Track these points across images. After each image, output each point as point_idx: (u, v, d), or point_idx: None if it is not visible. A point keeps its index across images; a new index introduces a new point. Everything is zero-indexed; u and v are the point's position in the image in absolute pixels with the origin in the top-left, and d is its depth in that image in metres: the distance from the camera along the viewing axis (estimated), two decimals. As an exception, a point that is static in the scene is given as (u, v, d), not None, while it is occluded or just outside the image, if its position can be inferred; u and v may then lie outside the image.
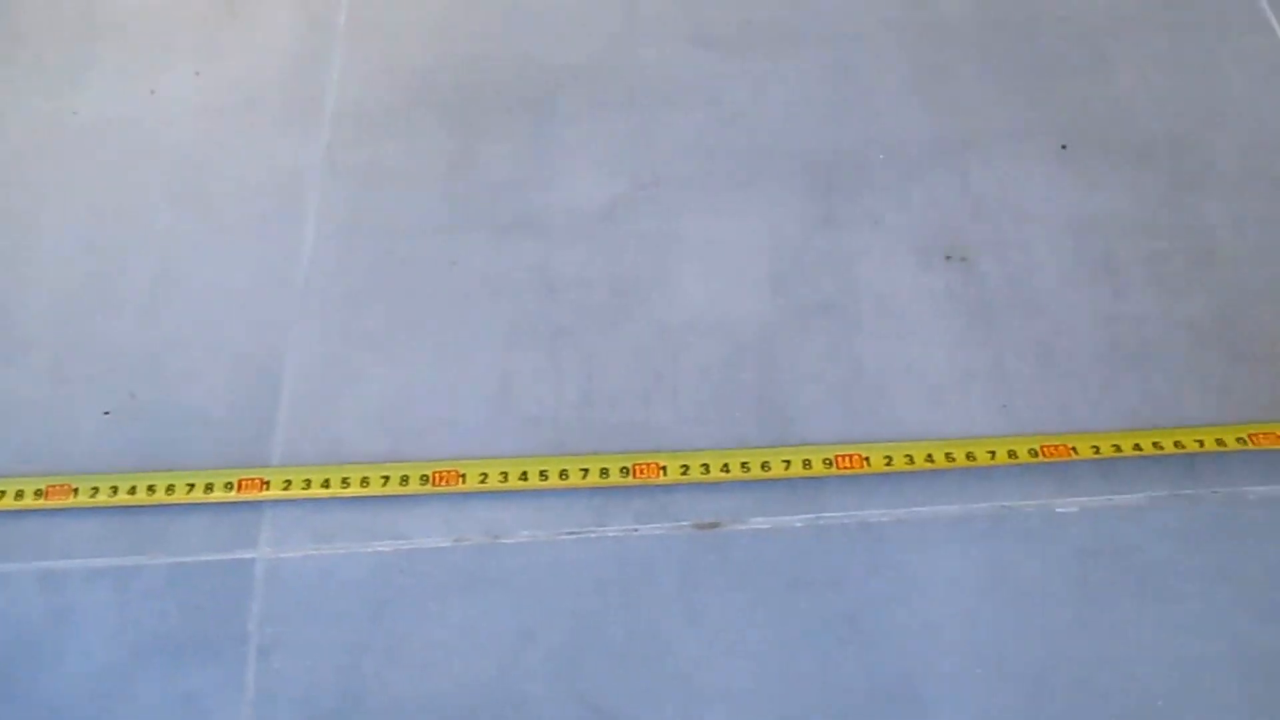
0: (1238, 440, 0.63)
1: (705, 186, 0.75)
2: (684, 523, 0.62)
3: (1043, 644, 0.58)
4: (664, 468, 0.64)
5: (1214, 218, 0.72)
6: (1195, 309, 0.69)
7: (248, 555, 0.62)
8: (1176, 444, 0.63)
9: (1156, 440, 0.63)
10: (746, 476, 0.63)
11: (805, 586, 0.61)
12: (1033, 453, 0.63)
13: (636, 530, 0.62)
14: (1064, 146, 0.75)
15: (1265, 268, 0.70)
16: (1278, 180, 0.73)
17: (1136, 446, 0.63)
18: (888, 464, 0.63)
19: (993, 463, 0.63)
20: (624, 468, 0.64)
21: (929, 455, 0.63)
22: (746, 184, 0.75)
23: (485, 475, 0.64)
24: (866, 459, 0.63)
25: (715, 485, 0.63)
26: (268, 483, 0.64)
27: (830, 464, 0.63)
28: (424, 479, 0.64)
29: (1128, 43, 0.80)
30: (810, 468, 0.63)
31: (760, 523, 0.62)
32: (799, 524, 0.62)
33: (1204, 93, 0.78)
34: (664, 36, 0.82)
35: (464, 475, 0.64)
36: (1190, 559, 0.61)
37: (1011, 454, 0.63)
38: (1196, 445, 0.63)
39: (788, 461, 0.64)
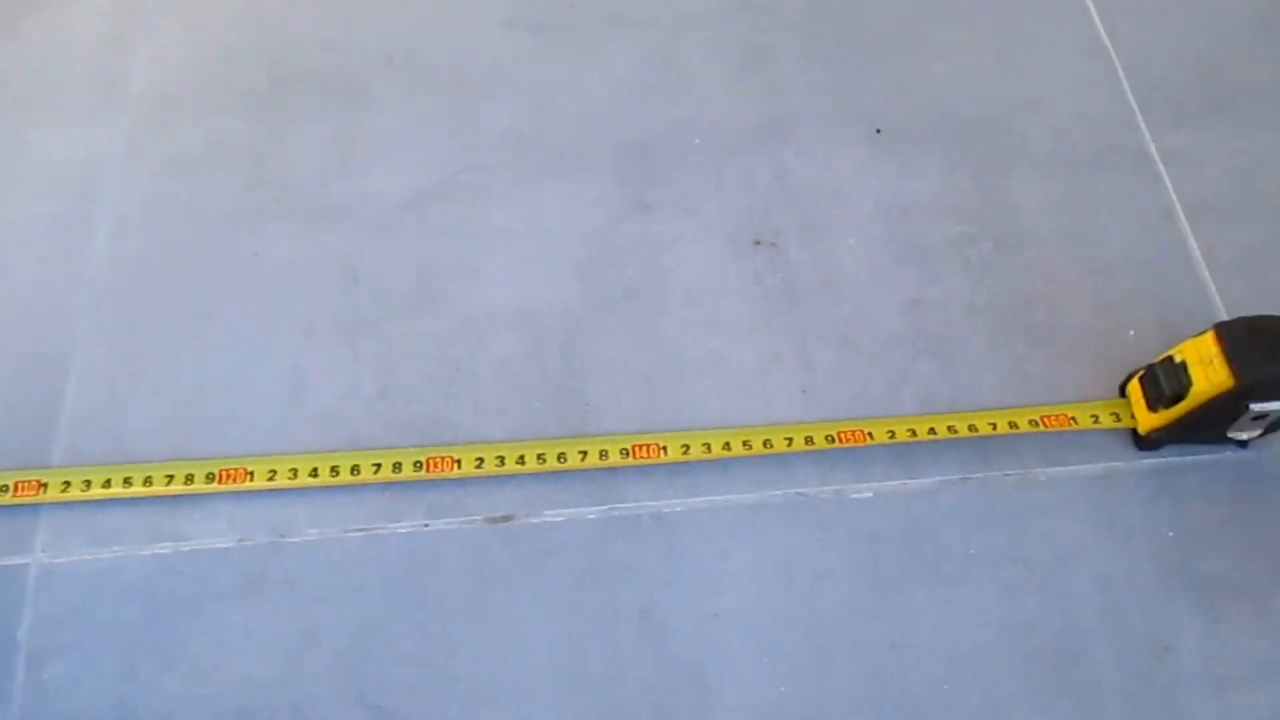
0: (1029, 423, 0.63)
1: (517, 175, 0.74)
2: (476, 517, 0.61)
3: (832, 630, 0.58)
4: (459, 461, 0.62)
5: (1022, 201, 0.73)
6: (998, 293, 0.69)
7: (21, 561, 0.60)
8: (970, 428, 0.63)
9: (951, 424, 0.63)
10: (543, 468, 0.62)
11: (596, 579, 0.60)
12: (830, 439, 0.63)
13: (428, 526, 0.61)
14: (879, 130, 0.75)
15: (1068, 251, 0.70)
16: (1085, 164, 0.74)
17: (931, 430, 0.63)
18: (685, 453, 0.63)
19: (789, 449, 0.63)
20: (418, 462, 0.62)
21: (726, 443, 0.63)
22: (559, 172, 0.74)
23: (274, 472, 0.62)
24: (664, 448, 0.63)
25: (510, 478, 0.62)
26: (45, 485, 0.61)
27: (627, 454, 0.63)
28: (210, 477, 0.62)
29: (947, 27, 0.81)
30: (607, 458, 0.62)
31: (553, 515, 0.61)
32: (593, 515, 0.61)
33: (1019, 77, 0.78)
34: (481, 21, 0.81)
35: (252, 473, 0.62)
36: (979, 541, 0.61)
37: (809, 440, 0.63)
38: (989, 428, 0.63)
39: (584, 452, 0.63)
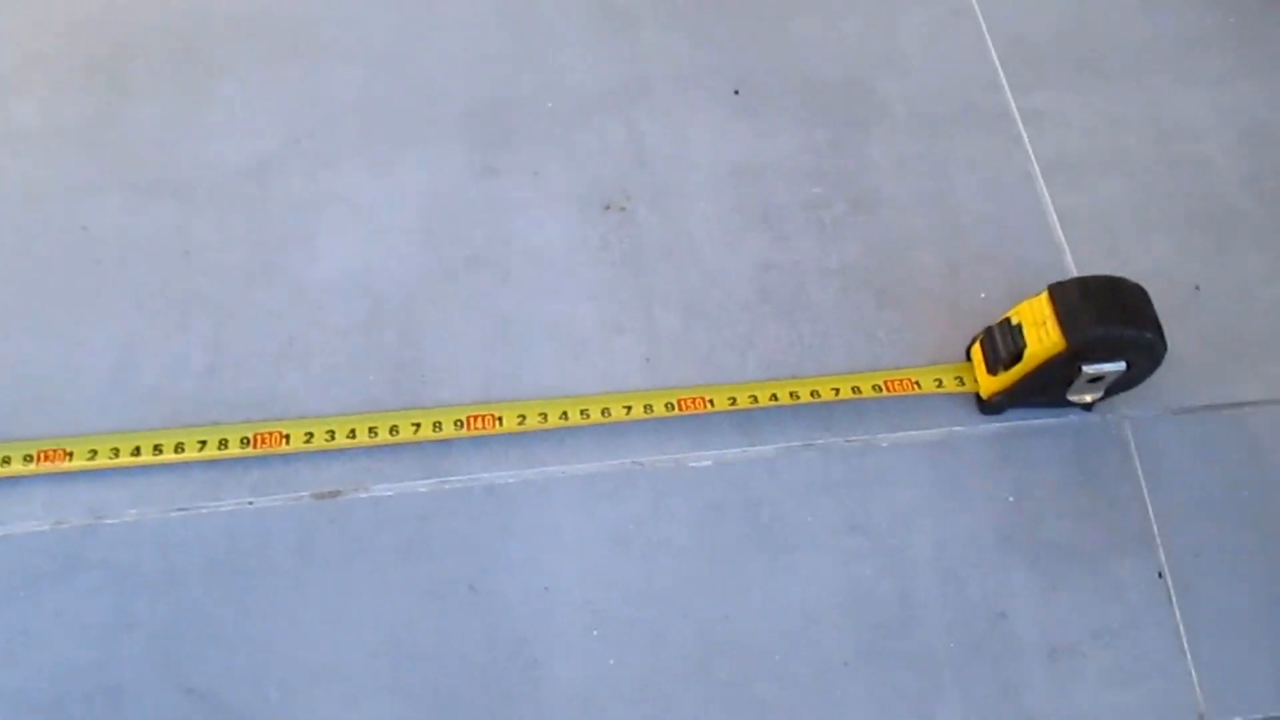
0: (873, 388, 0.62)
1: (362, 141, 0.71)
2: (303, 493, 0.59)
3: (665, 602, 0.57)
4: (287, 436, 0.61)
5: (880, 161, 0.71)
6: (850, 256, 0.68)
7: None
8: (813, 393, 0.62)
9: (794, 390, 0.62)
10: (374, 442, 0.60)
11: (425, 554, 0.58)
12: (669, 406, 0.62)
13: (252, 503, 0.59)
14: (737, 91, 0.73)
15: (920, 213, 0.69)
16: (945, 124, 0.73)
17: (773, 397, 0.62)
18: (521, 423, 0.61)
19: (628, 418, 0.61)
20: (245, 438, 0.60)
21: (564, 413, 0.61)
22: (406, 137, 0.71)
23: (94, 452, 0.60)
24: (499, 419, 0.61)
25: (340, 453, 0.60)
26: None
27: (461, 425, 0.61)
28: (27, 458, 0.60)
29: (811, -15, 0.79)
30: (440, 430, 0.61)
31: (383, 489, 0.59)
32: (423, 489, 0.60)
33: (882, 37, 0.77)
34: (334, -19, 0.78)
35: (70, 453, 0.60)
36: (819, 509, 0.60)
37: (648, 408, 0.62)
38: (832, 394, 0.62)
39: (417, 425, 0.61)
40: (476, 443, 0.61)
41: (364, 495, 0.59)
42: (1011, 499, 0.61)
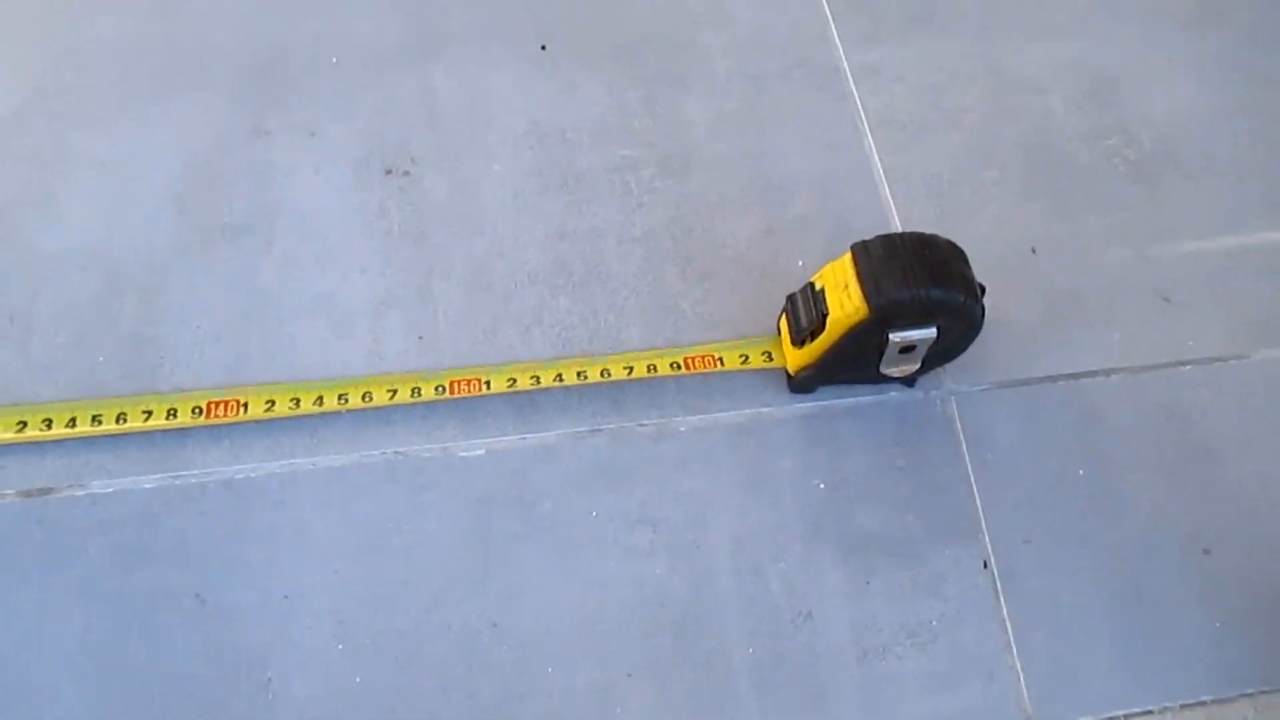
0: (671, 365, 0.55)
1: (117, 95, 0.63)
2: (8, 491, 0.51)
3: (424, 609, 0.50)
4: (-6, 426, 0.52)
5: (694, 121, 0.65)
6: (656, 223, 0.61)
7: None
8: (604, 373, 0.55)
9: (581, 369, 0.55)
10: (97, 431, 0.53)
11: (146, 559, 0.50)
12: (440, 389, 0.54)
13: (-54, 504, 0.50)
14: (543, 47, 0.67)
15: (737, 176, 0.63)
16: (769, 80, 0.66)
17: (559, 378, 0.55)
18: (269, 410, 0.53)
19: (392, 402, 0.54)
20: (-56, 429, 0.52)
21: (319, 398, 0.54)
22: (167, 92, 0.64)
23: None
24: (244, 405, 0.53)
25: (56, 444, 0.53)
26: None
27: (200, 413, 0.53)
28: None
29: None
30: (175, 418, 0.53)
31: (102, 486, 0.52)
32: (149, 485, 0.52)
33: (705, -13, 0.70)
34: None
35: None
36: (605, 502, 0.53)
37: (415, 392, 0.54)
38: (625, 373, 0.55)
39: (148, 412, 0.53)
40: (216, 432, 0.54)
41: (79, 493, 0.52)
42: (822, 486, 0.54)
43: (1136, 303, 0.60)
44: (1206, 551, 0.54)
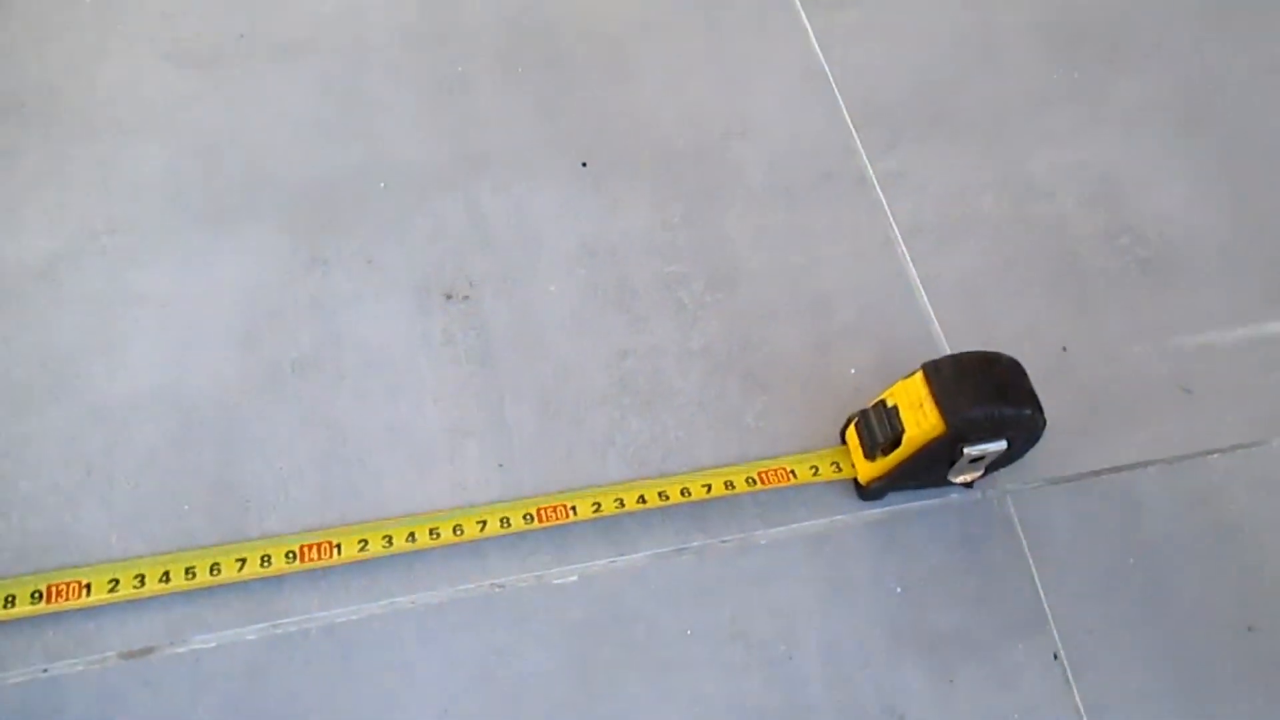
0: (747, 481, 0.58)
1: (169, 231, 0.64)
2: (109, 653, 0.51)
3: (535, 741, 0.51)
4: (88, 586, 0.52)
5: (735, 234, 0.68)
6: (711, 336, 0.64)
7: None
8: (683, 492, 0.57)
9: (662, 490, 0.57)
10: (192, 585, 0.53)
11: (256, 714, 0.50)
12: (528, 518, 0.56)
13: (46, 671, 0.50)
14: (584, 164, 0.69)
15: (782, 287, 0.66)
16: (802, 192, 0.69)
17: (641, 499, 0.57)
18: (362, 550, 0.54)
19: (483, 535, 0.55)
20: (36, 592, 0.52)
21: (410, 534, 0.55)
22: (219, 225, 0.64)
23: None
24: (338, 547, 0.54)
25: (151, 601, 0.52)
26: None
27: (294, 558, 0.53)
28: None
29: (657, 51, 0.75)
30: (270, 565, 0.53)
31: (203, 641, 0.52)
32: (252, 636, 0.52)
33: (733, 102, 0.73)
34: (134, 52, 0.70)
35: None
36: (697, 620, 0.55)
37: (504, 522, 0.56)
38: (704, 491, 0.57)
39: (242, 560, 0.53)
40: (312, 576, 0.54)
41: (181, 650, 0.52)
42: (899, 590, 0.57)
43: (1161, 395, 0.64)
44: (1251, 629, 0.58)
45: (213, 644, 0.52)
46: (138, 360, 0.59)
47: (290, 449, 0.57)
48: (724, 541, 0.57)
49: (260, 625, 0.52)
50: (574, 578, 0.55)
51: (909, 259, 0.67)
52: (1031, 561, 0.58)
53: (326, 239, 0.65)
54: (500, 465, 0.58)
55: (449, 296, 0.63)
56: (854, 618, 0.56)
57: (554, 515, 0.56)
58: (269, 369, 0.60)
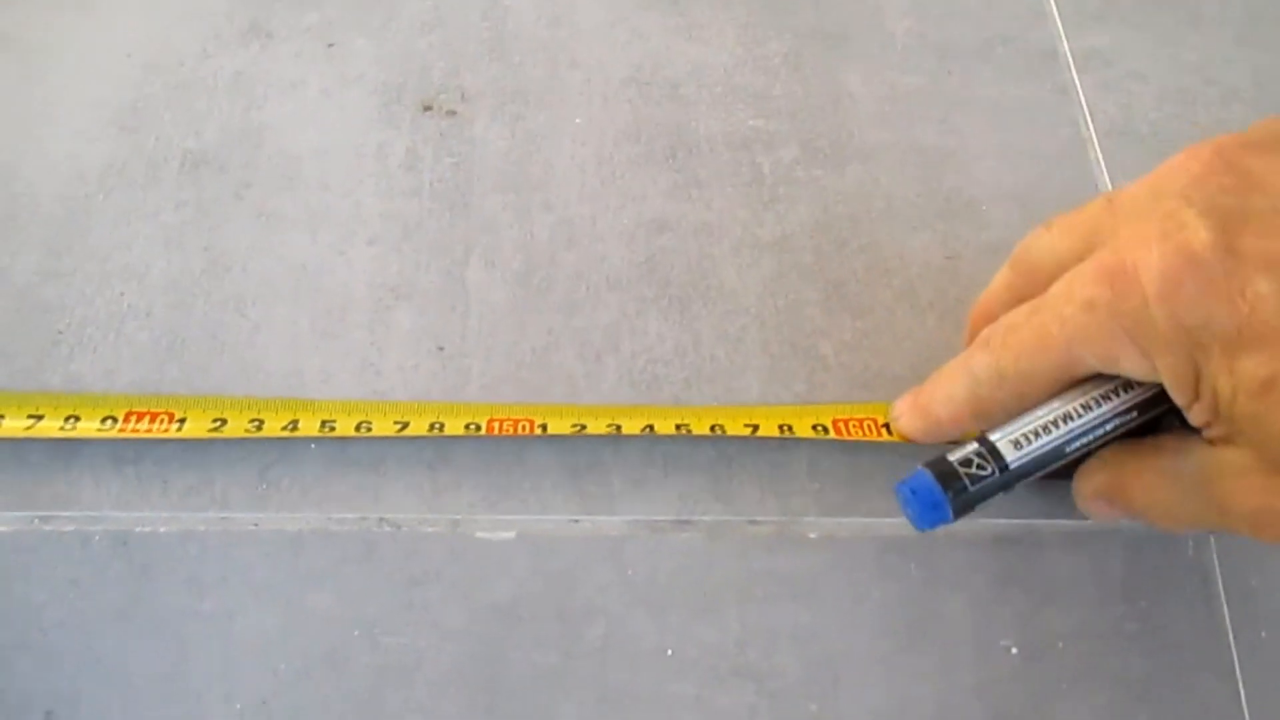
0: (815, 429, 0.38)
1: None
2: None
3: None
4: None
5: (856, 93, 0.47)
6: (794, 224, 0.44)
7: None
8: (714, 428, 0.38)
9: (681, 421, 0.37)
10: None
11: (-24, 644, 0.31)
12: (473, 427, 0.36)
13: None
14: (659, -31, 0.47)
15: (904, 175, 0.45)
16: (947, 52, 0.48)
17: (648, 428, 0.37)
18: (215, 429, 0.37)
19: (396, 435, 0.36)
20: None
21: (293, 422, 0.36)
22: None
23: None
24: (180, 420, 0.37)
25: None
26: None
27: (113, 423, 0.36)
28: None
29: None
30: (76, 425, 0.35)
31: (-70, 520, 0.33)
32: (3, 528, 0.33)
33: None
34: None
35: None
36: (688, 632, 0.35)
37: (436, 428, 0.36)
38: (746, 430, 0.38)
39: (38, 417, 0.37)
40: (118, 455, 0.35)
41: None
42: (1014, 650, 0.36)
43: None
44: None
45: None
46: (-28, 114, 0.40)
47: (143, 270, 0.38)
48: (754, 524, 0.36)
49: (21, 514, 0.33)
50: (510, 534, 0.35)
51: (1103, 168, 0.45)
52: (1234, 642, 0.36)
53: (279, 4, 0.45)
54: (440, 348, 0.38)
55: (428, 108, 0.43)
56: (935, 678, 0.35)
57: (506, 429, 0.35)
58: (149, 157, 0.41)
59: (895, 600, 0.36)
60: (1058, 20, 0.50)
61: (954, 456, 0.30)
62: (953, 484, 0.30)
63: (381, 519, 0.35)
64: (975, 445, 0.31)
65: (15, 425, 0.34)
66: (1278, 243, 0.26)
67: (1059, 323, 0.29)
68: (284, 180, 0.41)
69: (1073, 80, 0.48)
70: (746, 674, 0.35)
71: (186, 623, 0.33)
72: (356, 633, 0.34)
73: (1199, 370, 0.27)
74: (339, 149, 0.42)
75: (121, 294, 0.38)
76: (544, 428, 0.36)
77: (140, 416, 0.35)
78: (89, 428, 0.34)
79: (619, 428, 0.36)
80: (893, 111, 0.46)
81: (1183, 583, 0.37)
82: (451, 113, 0.44)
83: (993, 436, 0.31)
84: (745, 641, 0.35)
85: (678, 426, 0.37)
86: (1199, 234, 0.26)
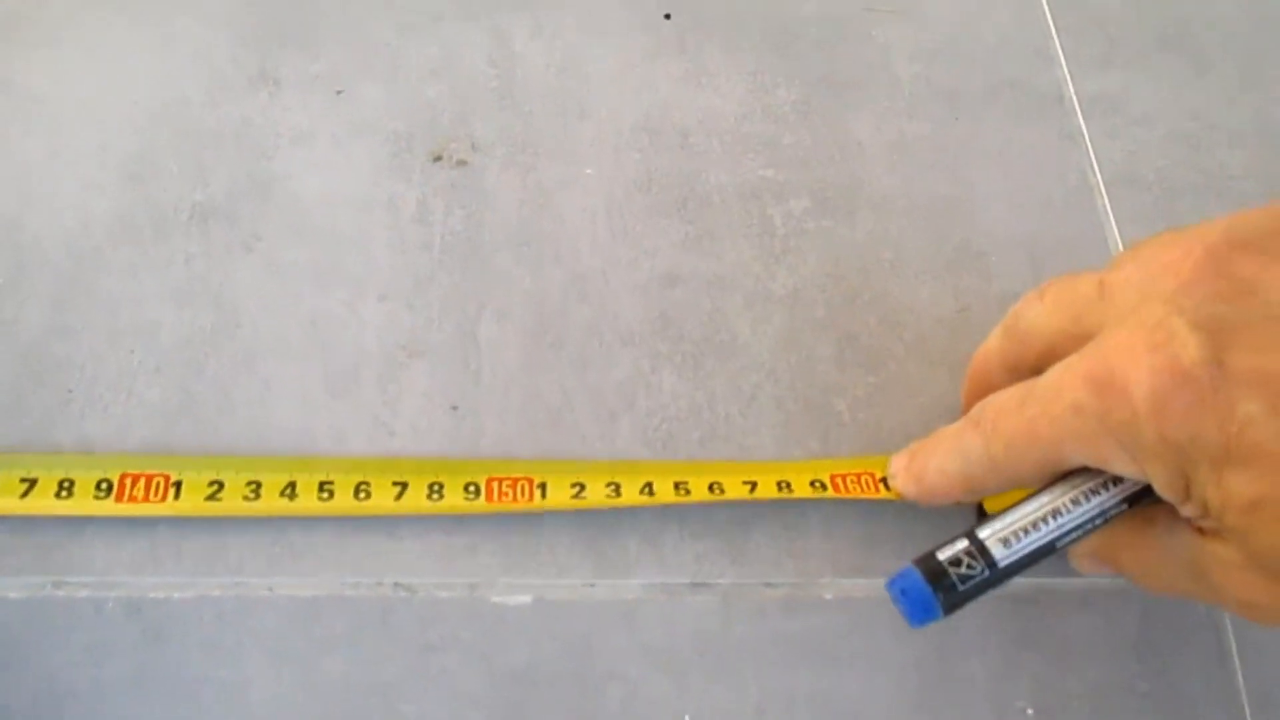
0: (813, 485, 0.38)
1: (69, 6, 0.44)
2: None
3: None
4: None
5: (865, 141, 0.47)
6: (805, 276, 0.44)
7: None
8: (713, 488, 0.37)
9: (682, 480, 0.38)
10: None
11: (-12, 717, 0.31)
12: (472, 490, 0.37)
13: None
14: (668, 15, 0.49)
15: (915, 224, 0.44)
16: (964, 101, 0.48)
17: (647, 489, 0.37)
18: (213, 496, 0.38)
19: (398, 506, 0.37)
20: None
21: (290, 485, 0.37)
22: (141, 6, 0.44)
23: None
24: (176, 484, 0.37)
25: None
26: None
27: (108, 490, 0.36)
28: None
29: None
30: (69, 495, 0.36)
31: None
32: (15, 595, 0.33)
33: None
34: None
35: None
36: (706, 697, 0.35)
37: (435, 491, 0.37)
38: (745, 491, 0.37)
39: (31, 482, 0.36)
40: (128, 525, 0.34)
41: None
42: (1030, 711, 0.35)
43: None
44: None
45: None
46: (-23, 169, 0.40)
47: (153, 325, 0.38)
48: (768, 586, 0.36)
49: (34, 580, 0.33)
50: (526, 598, 0.35)
51: (1110, 215, 0.45)
52: (1247, 705, 0.36)
53: (286, 52, 0.45)
54: (454, 407, 0.37)
55: (438, 157, 0.43)
56: (952, 744, 0.34)
57: (512, 495, 0.35)
58: (157, 209, 0.41)
59: (912, 662, 0.36)
60: (1064, 63, 0.50)
61: (943, 555, 0.30)
62: (942, 582, 0.30)
63: (396, 583, 0.35)
64: (965, 543, 0.30)
65: (8, 501, 0.34)
66: (1268, 358, 0.26)
67: (1048, 420, 0.29)
68: (294, 232, 0.41)
69: (1079, 126, 0.48)
70: (764, 738, 0.34)
71: (202, 689, 0.33)
72: (374, 699, 0.33)
73: (1189, 479, 0.27)
74: (350, 200, 0.42)
75: (132, 351, 0.38)
76: (543, 488, 0.36)
77: (135, 480, 0.34)
78: (83, 500, 0.34)
79: (618, 488, 0.36)
80: (901, 160, 0.46)
81: (1196, 641, 0.37)
82: (462, 162, 0.43)
83: (981, 534, 0.31)
84: (763, 706, 0.35)
85: (676, 485, 0.37)
86: (1188, 349, 0.26)
